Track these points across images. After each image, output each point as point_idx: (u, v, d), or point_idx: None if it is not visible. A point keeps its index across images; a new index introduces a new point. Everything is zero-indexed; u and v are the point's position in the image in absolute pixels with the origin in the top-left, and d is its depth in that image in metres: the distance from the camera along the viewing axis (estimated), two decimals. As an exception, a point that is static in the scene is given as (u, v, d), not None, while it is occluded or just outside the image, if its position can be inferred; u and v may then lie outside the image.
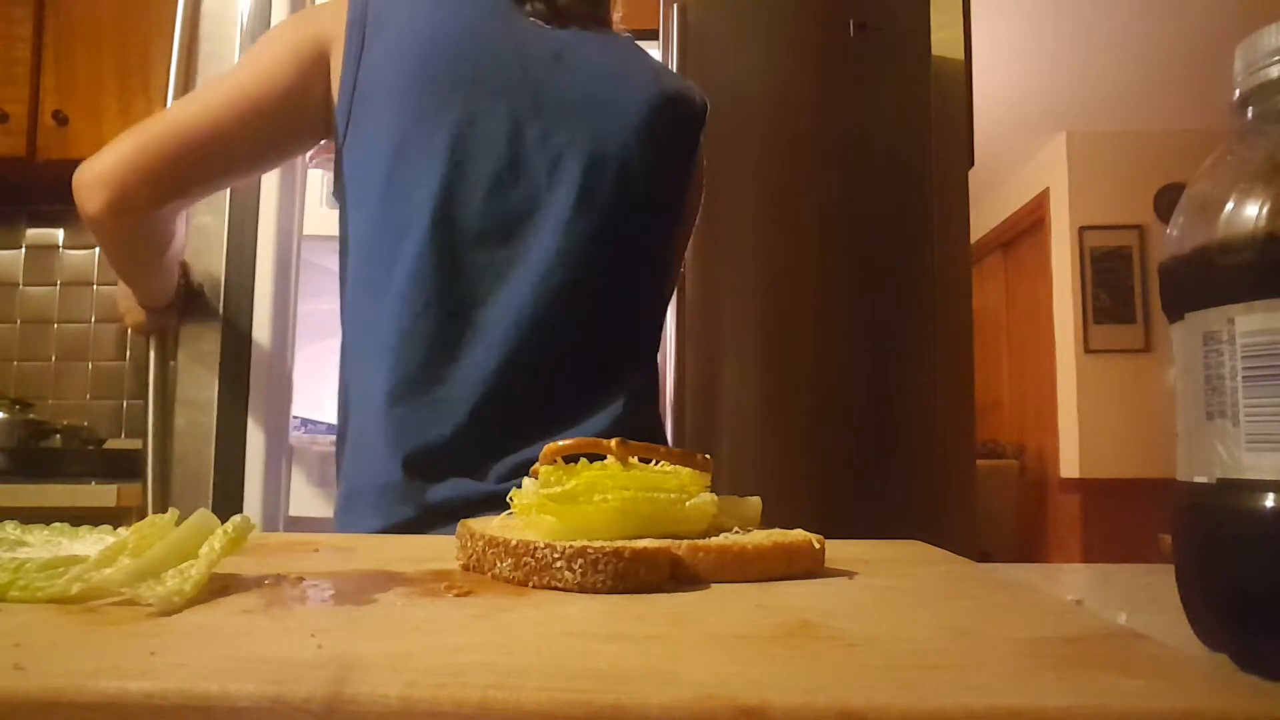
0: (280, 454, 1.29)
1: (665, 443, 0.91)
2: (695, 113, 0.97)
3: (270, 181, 1.31)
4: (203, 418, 1.23)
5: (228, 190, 1.29)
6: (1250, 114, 0.31)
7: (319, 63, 0.87)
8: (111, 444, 2.24)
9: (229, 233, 1.29)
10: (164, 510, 0.41)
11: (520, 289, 0.83)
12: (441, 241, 0.82)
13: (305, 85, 0.87)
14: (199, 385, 1.24)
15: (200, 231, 1.29)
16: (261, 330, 1.28)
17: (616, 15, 1.03)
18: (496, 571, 0.42)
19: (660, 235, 0.96)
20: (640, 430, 0.86)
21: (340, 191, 0.89)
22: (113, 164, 0.85)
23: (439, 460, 0.79)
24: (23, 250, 2.49)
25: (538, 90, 0.88)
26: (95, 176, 0.85)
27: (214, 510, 0.40)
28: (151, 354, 1.20)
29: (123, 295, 1.11)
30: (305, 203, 1.40)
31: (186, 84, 1.32)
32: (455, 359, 0.81)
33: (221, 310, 1.27)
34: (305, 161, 1.42)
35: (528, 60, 0.89)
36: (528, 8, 0.93)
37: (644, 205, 0.91)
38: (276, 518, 1.28)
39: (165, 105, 2.08)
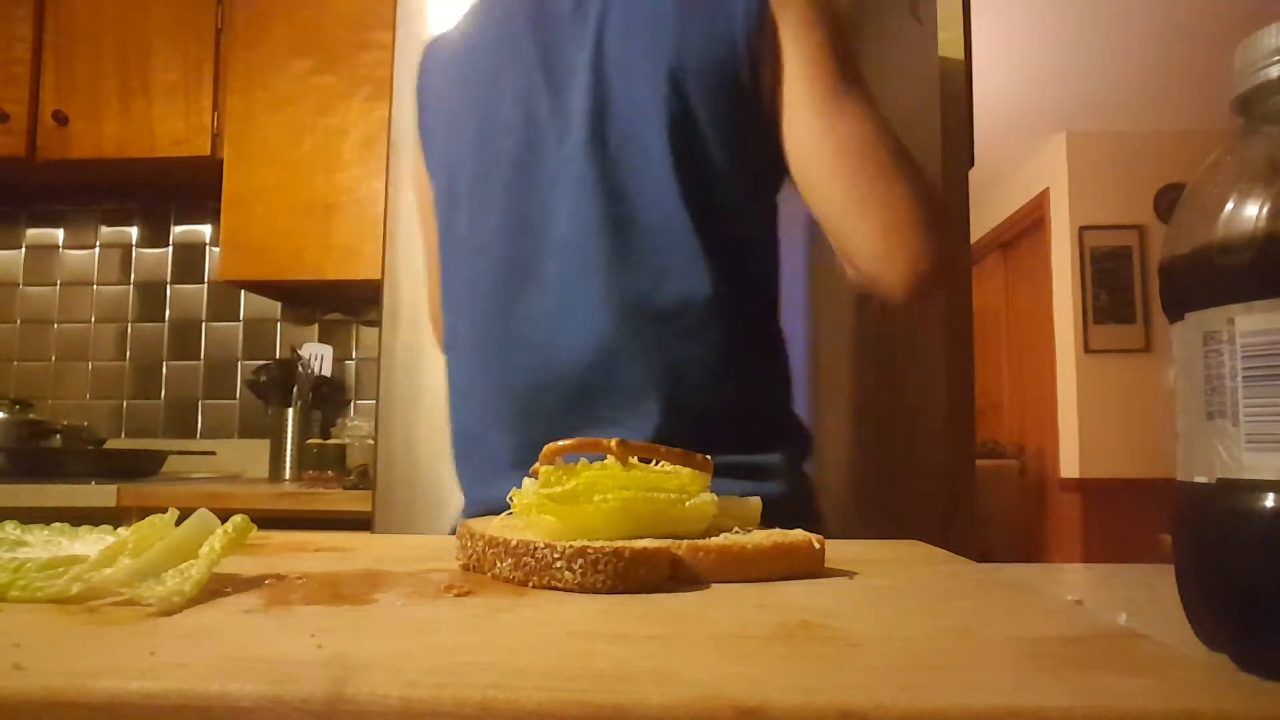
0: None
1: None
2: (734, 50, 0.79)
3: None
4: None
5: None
6: (1250, 114, 0.31)
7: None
8: (111, 444, 2.25)
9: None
10: None
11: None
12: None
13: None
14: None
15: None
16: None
17: None
18: (496, 571, 0.42)
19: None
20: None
21: None
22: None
23: None
24: (23, 250, 2.49)
25: (550, 63, 0.83)
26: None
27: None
28: None
29: None
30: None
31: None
32: None
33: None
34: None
35: (546, 29, 0.84)
36: None
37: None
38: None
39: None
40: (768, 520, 0.52)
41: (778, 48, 0.79)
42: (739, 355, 0.79)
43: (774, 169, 0.82)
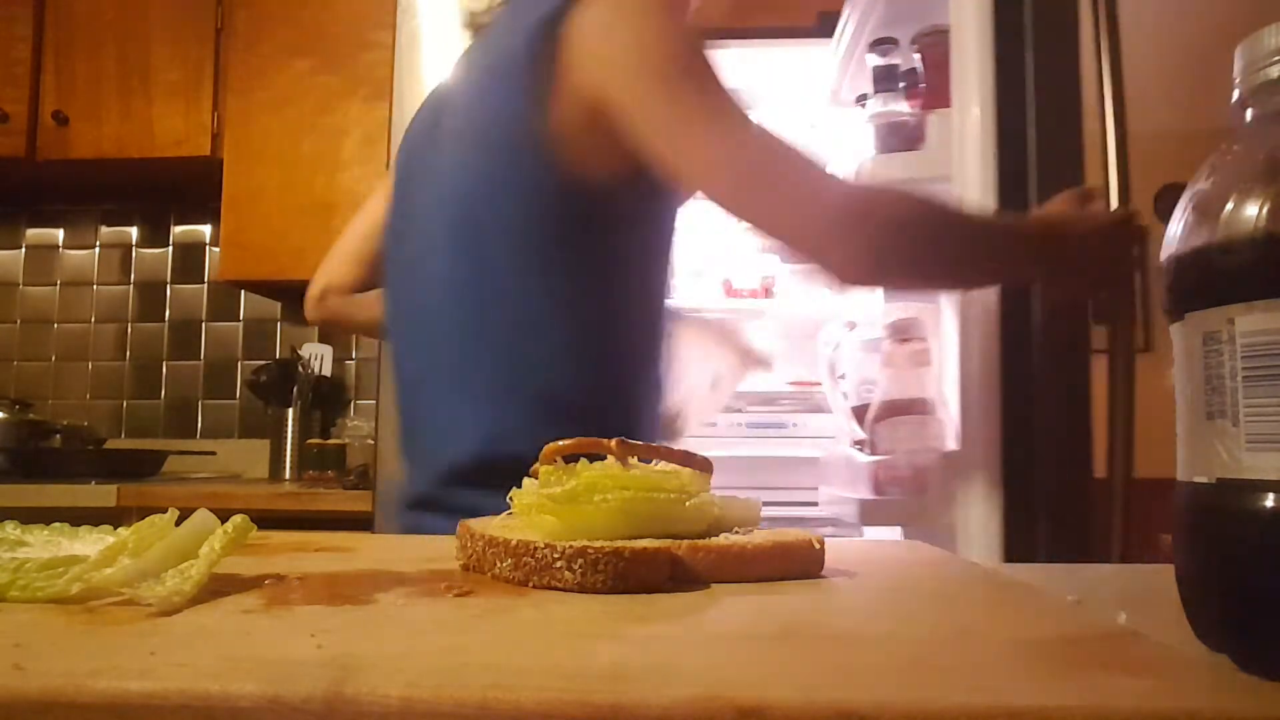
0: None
1: None
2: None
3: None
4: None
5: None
6: (1250, 114, 0.31)
7: None
8: (111, 444, 2.25)
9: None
10: None
11: None
12: None
13: None
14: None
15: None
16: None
17: None
18: (496, 571, 0.42)
19: None
20: None
21: None
22: None
23: None
24: (23, 250, 2.49)
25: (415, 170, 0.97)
26: None
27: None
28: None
29: None
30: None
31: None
32: None
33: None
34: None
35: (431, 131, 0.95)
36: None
37: None
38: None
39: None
40: None
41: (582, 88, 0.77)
42: None
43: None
